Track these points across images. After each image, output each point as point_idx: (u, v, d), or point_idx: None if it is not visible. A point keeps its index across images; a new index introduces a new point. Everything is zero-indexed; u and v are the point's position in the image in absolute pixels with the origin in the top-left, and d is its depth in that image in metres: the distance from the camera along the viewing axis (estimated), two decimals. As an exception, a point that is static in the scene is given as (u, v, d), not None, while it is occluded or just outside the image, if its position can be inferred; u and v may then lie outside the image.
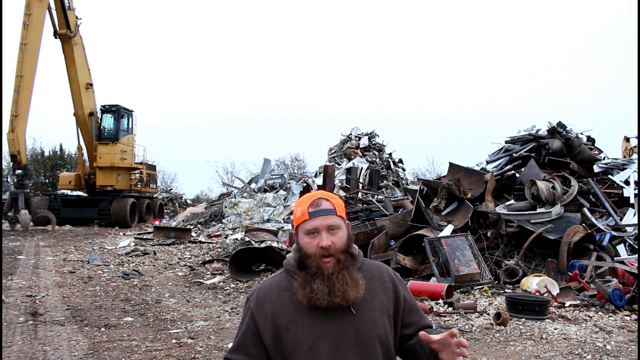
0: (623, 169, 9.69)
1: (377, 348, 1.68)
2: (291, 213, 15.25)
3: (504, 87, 79.98)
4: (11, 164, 19.68)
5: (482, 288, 7.06)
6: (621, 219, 8.51)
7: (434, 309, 5.95)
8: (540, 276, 6.84)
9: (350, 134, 22.21)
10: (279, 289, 1.74)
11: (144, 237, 14.78)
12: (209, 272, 9.02)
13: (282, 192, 17.26)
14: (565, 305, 6.12)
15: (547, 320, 5.55)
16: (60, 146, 36.77)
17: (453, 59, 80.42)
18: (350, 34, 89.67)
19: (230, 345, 4.78)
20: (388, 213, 10.29)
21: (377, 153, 21.32)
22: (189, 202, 31.26)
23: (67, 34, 18.32)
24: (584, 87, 76.70)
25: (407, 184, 18.53)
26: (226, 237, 13.34)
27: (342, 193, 14.35)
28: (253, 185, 20.28)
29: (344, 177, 16.49)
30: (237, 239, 11.83)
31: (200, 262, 10.06)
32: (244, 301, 1.83)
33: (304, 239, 1.69)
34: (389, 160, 21.27)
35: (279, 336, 1.68)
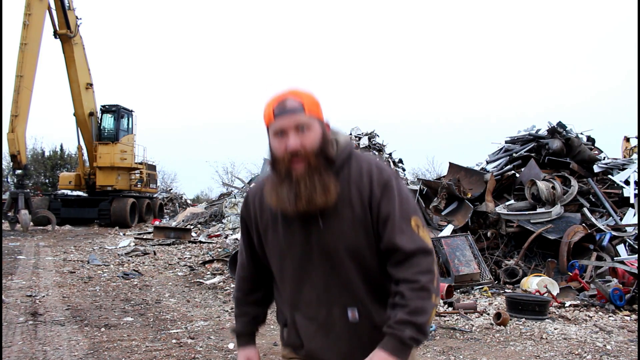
0: (623, 169, 9.68)
1: (345, 262, 1.56)
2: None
3: (504, 90, 79.95)
4: (11, 164, 19.68)
5: (482, 288, 7.05)
6: (621, 219, 8.51)
7: (434, 309, 5.94)
8: (540, 276, 6.84)
9: (350, 134, 22.20)
10: (262, 192, 1.65)
11: (144, 237, 14.77)
12: (209, 272, 9.01)
13: (282, 192, 17.22)
14: (565, 305, 6.11)
15: (547, 320, 5.55)
16: (61, 146, 36.84)
17: (454, 61, 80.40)
18: (351, 35, 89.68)
19: (230, 345, 4.77)
20: (388, 213, 10.26)
21: (377, 153, 21.31)
22: (189, 202, 31.22)
23: (67, 34, 18.31)
24: (585, 91, 76.67)
25: (407, 184, 18.52)
26: (226, 237, 13.33)
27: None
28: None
29: (344, 177, 16.45)
30: (237, 239, 11.83)
31: (200, 262, 10.06)
32: None
33: (273, 142, 1.56)
34: (389, 160, 21.25)
35: (261, 240, 1.70)
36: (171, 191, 34.28)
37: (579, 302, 6.28)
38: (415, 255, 1.50)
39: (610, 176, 9.57)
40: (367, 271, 1.58)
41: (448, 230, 8.28)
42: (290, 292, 1.65)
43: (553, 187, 8.44)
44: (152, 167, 24.33)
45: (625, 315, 5.75)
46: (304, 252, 1.59)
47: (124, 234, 16.59)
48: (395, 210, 1.53)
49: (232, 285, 7.90)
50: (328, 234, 1.56)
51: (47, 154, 36.41)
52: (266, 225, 1.66)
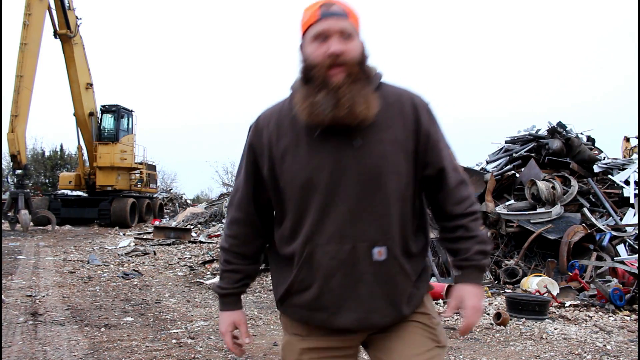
0: (623, 169, 9.68)
1: (386, 186, 1.42)
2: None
3: (504, 90, 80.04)
4: (11, 164, 19.69)
5: (482, 288, 7.05)
6: (621, 219, 8.51)
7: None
8: (540, 276, 6.84)
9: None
10: (279, 115, 1.51)
11: (144, 237, 14.78)
12: (209, 272, 9.02)
13: (282, 192, 17.23)
14: (565, 305, 6.11)
15: (547, 320, 5.55)
16: (61, 146, 36.90)
17: (454, 61, 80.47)
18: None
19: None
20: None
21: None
22: (189, 202, 31.25)
23: (67, 34, 18.32)
24: (586, 91, 76.78)
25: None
26: (226, 237, 13.32)
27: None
28: (253, 185, 20.24)
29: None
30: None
31: (200, 262, 10.06)
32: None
33: (310, 47, 1.42)
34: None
35: (274, 168, 1.49)
36: (171, 191, 34.32)
37: (579, 302, 6.28)
38: (461, 185, 1.53)
39: (610, 176, 9.58)
40: (402, 203, 1.47)
41: (448, 230, 8.27)
42: (308, 226, 1.44)
43: (553, 187, 8.44)
44: (152, 167, 24.37)
45: (625, 315, 5.75)
46: (333, 176, 1.41)
47: (124, 234, 16.59)
48: (443, 137, 1.53)
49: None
50: (367, 153, 1.41)
51: (47, 154, 36.45)
52: (285, 149, 1.46)
